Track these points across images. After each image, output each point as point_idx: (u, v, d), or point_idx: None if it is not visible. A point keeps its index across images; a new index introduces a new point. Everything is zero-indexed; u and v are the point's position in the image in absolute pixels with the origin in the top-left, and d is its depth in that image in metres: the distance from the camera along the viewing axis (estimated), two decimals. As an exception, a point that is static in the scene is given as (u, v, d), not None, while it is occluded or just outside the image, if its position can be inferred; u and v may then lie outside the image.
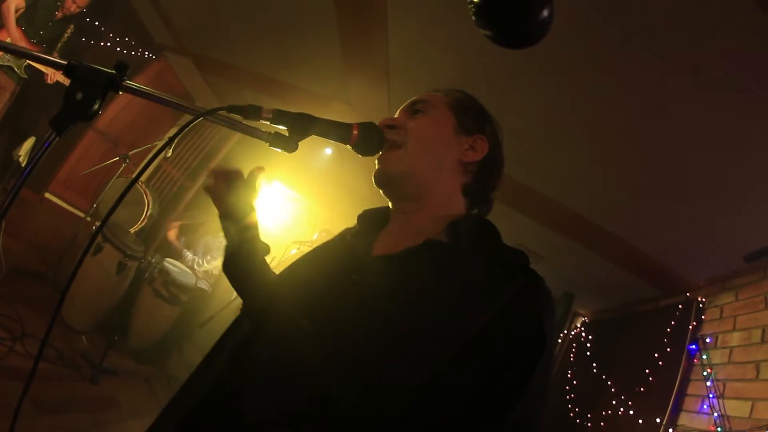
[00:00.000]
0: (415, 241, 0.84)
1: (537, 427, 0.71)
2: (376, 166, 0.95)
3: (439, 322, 0.72)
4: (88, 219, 3.99)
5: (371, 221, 1.01)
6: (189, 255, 4.40)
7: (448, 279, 0.78)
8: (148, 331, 3.86)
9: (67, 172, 5.08)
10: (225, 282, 4.77)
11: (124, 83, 0.76)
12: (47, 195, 5.02)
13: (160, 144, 4.68)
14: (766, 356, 2.61)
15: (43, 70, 3.65)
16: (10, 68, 3.60)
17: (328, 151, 4.81)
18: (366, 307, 0.77)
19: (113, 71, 0.77)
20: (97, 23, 4.51)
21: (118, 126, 5.25)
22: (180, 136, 0.84)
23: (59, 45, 3.77)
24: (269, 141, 0.86)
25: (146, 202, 4.63)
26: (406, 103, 1.02)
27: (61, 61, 0.78)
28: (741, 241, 2.81)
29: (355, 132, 0.89)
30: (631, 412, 3.32)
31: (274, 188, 6.32)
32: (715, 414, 2.70)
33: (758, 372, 2.60)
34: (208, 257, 4.45)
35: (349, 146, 0.91)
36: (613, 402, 3.54)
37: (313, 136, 0.88)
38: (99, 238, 3.41)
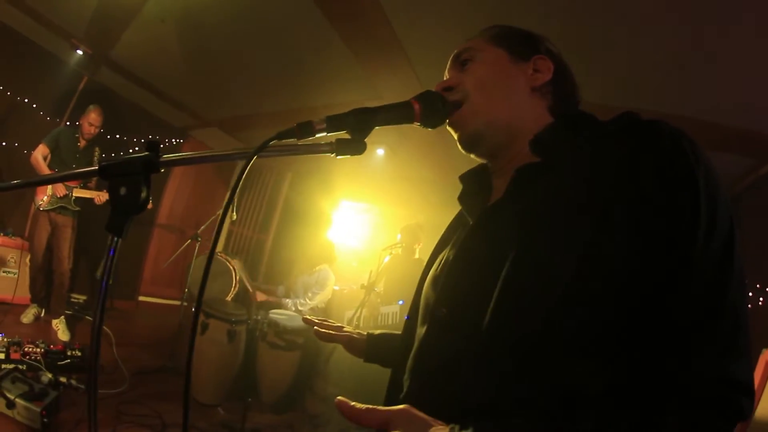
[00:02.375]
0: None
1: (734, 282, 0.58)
2: (455, 134, 0.89)
3: (561, 245, 0.64)
4: (185, 304, 4.23)
5: (476, 177, 0.94)
6: (289, 302, 4.49)
7: (551, 195, 0.70)
8: (276, 382, 3.99)
9: (150, 272, 5.45)
10: (333, 310, 4.92)
11: (161, 160, 0.74)
12: (141, 298, 5.40)
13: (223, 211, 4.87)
14: None
15: (89, 195, 3.92)
16: (63, 207, 3.91)
17: (380, 152, 4.81)
18: (480, 268, 0.73)
19: (146, 153, 0.74)
20: (118, 136, 4.80)
21: (178, 214, 5.56)
22: (239, 187, 0.81)
23: (94, 169, 4.03)
24: (335, 151, 0.80)
25: (231, 268, 4.84)
26: (450, 60, 0.95)
27: (92, 168, 0.77)
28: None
29: (417, 107, 0.83)
30: (772, 299, 3.03)
31: (343, 208, 6.41)
32: None
33: None
34: (309, 294, 4.50)
35: (416, 124, 0.85)
36: (750, 294, 3.25)
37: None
38: (202, 317, 3.61)
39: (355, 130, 0.80)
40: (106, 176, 0.74)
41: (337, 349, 3.52)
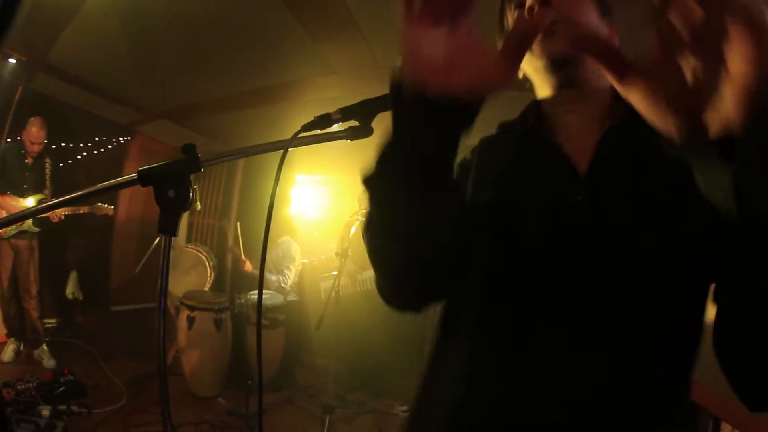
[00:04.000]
0: (598, 134, 0.76)
1: None
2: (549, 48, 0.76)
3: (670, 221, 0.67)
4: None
5: (513, 139, 0.89)
6: (272, 277, 4.50)
7: (652, 164, 0.69)
8: (268, 361, 4.08)
9: (117, 280, 5.32)
10: (306, 282, 4.96)
11: (201, 161, 0.79)
12: (113, 308, 5.27)
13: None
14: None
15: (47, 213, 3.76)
16: (24, 231, 3.76)
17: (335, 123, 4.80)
18: (608, 235, 0.70)
19: (185, 155, 0.80)
20: (63, 144, 4.63)
21: (136, 215, 5.42)
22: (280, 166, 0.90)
23: (47, 182, 3.88)
24: (349, 137, 0.91)
25: (203, 258, 4.83)
26: None
27: (131, 176, 0.79)
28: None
29: None
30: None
31: (300, 182, 6.37)
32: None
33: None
34: (285, 272, 4.52)
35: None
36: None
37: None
38: (187, 311, 3.65)
39: (363, 117, 0.91)
40: (148, 183, 0.79)
41: (324, 320, 3.62)
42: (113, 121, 5.00)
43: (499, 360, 0.74)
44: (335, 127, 0.93)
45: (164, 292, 0.79)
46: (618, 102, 0.70)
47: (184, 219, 5.99)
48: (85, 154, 4.84)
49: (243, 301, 4.11)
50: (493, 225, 0.78)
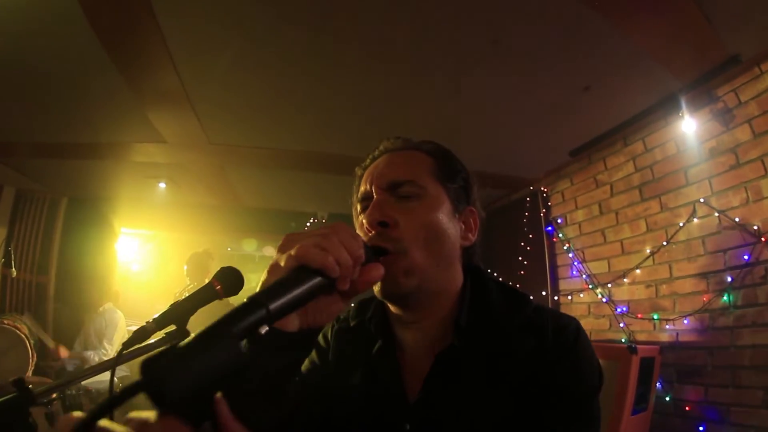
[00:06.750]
0: (431, 358, 0.76)
1: None
2: (379, 283, 0.76)
3: None
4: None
5: (361, 342, 0.86)
6: (91, 354, 4.17)
7: (476, 388, 0.73)
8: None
9: None
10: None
11: (32, 394, 0.92)
12: None
13: None
14: (607, 224, 3.35)
15: None
16: None
17: (162, 185, 4.80)
18: None
19: (16, 391, 0.90)
20: None
21: None
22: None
23: None
24: (168, 343, 1.01)
25: (22, 336, 4.18)
26: (383, 180, 0.80)
27: None
28: (561, 143, 3.55)
29: (218, 286, 1.02)
30: (520, 294, 4.09)
31: (126, 237, 6.12)
32: (584, 275, 3.45)
33: (605, 237, 3.35)
34: (106, 345, 4.24)
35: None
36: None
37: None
38: None
39: (178, 322, 1.03)
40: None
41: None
42: None
43: None
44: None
45: None
46: (451, 323, 0.77)
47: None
48: None
49: (74, 391, 3.67)
50: None
